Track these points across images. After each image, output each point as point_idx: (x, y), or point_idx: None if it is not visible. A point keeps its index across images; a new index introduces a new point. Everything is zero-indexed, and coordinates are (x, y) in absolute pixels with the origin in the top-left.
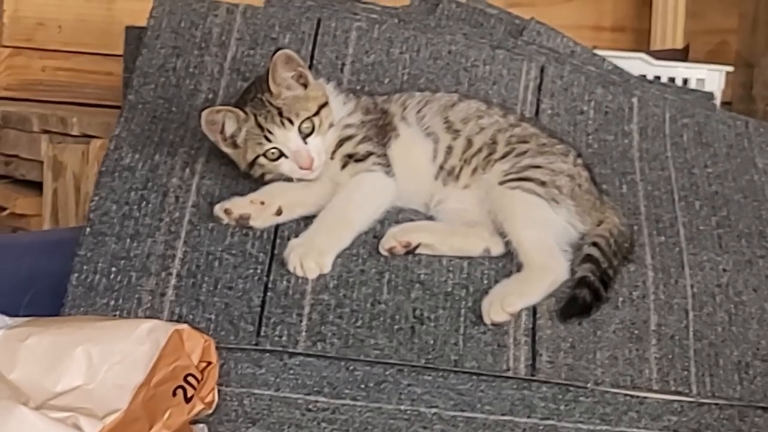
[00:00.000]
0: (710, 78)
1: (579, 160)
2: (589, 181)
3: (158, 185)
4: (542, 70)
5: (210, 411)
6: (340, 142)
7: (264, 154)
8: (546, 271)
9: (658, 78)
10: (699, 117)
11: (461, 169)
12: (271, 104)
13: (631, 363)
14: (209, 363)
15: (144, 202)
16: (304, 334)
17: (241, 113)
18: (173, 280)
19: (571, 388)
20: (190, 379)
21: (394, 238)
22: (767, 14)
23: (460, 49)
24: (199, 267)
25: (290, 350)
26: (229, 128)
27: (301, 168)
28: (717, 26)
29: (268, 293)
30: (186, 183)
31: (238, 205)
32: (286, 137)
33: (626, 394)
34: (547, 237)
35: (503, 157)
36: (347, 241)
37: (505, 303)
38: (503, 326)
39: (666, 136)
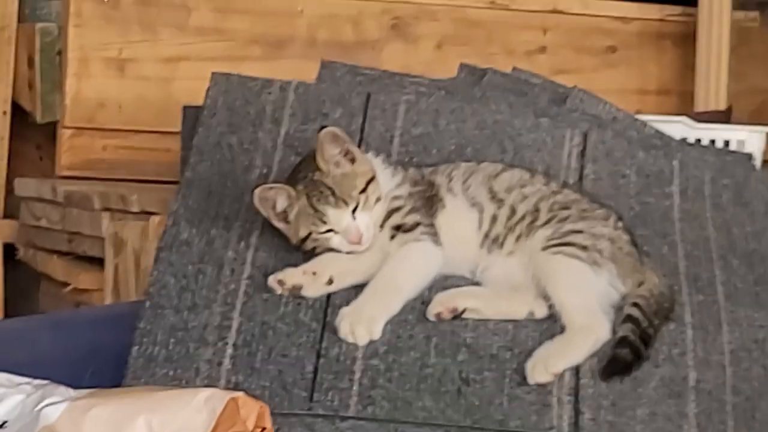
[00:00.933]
0: (750, 139)
1: (620, 224)
2: (630, 244)
3: (214, 258)
4: (585, 136)
5: None
6: (389, 213)
7: (315, 231)
8: (588, 333)
9: (699, 140)
10: (738, 177)
11: (505, 236)
12: (323, 184)
13: (671, 419)
14: (264, 429)
15: (201, 275)
16: (355, 398)
17: (292, 191)
18: (229, 350)
19: None
20: None
21: (441, 304)
22: None
23: (505, 118)
24: (254, 336)
25: (342, 414)
26: (281, 205)
27: (350, 243)
28: (760, 86)
29: (321, 360)
30: (241, 256)
31: (291, 276)
32: (339, 217)
33: None
34: (589, 299)
35: (546, 223)
36: (396, 308)
37: (548, 364)
38: (547, 386)
39: (706, 196)
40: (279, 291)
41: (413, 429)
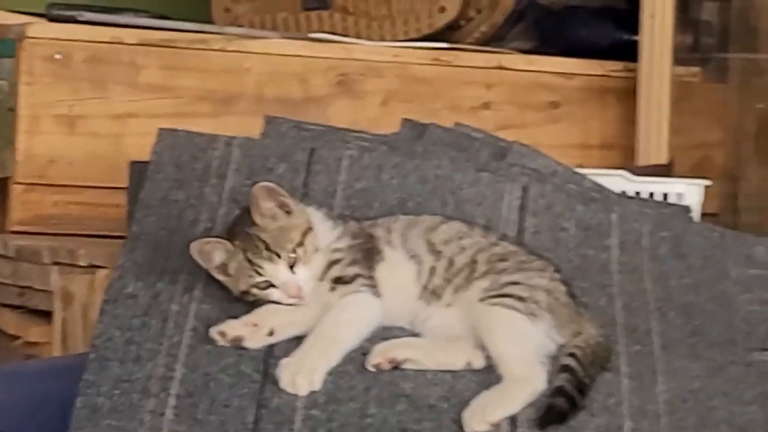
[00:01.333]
0: (688, 192)
1: (556, 275)
2: (567, 295)
3: (159, 311)
4: (525, 190)
5: None
6: (329, 265)
7: (254, 285)
8: (525, 383)
9: (638, 193)
10: (676, 230)
11: (444, 288)
12: (258, 238)
13: None
14: None
15: (146, 328)
16: None
17: (230, 245)
18: (172, 401)
19: None
20: None
21: (380, 355)
22: (750, 128)
23: (446, 173)
24: (197, 387)
25: None
26: (219, 258)
27: (290, 297)
28: (701, 141)
29: (262, 410)
30: (185, 308)
31: (232, 328)
32: (275, 270)
33: None
34: (526, 350)
35: (483, 275)
36: (336, 359)
37: (486, 413)
38: None
39: (644, 249)
40: (221, 342)
41: None
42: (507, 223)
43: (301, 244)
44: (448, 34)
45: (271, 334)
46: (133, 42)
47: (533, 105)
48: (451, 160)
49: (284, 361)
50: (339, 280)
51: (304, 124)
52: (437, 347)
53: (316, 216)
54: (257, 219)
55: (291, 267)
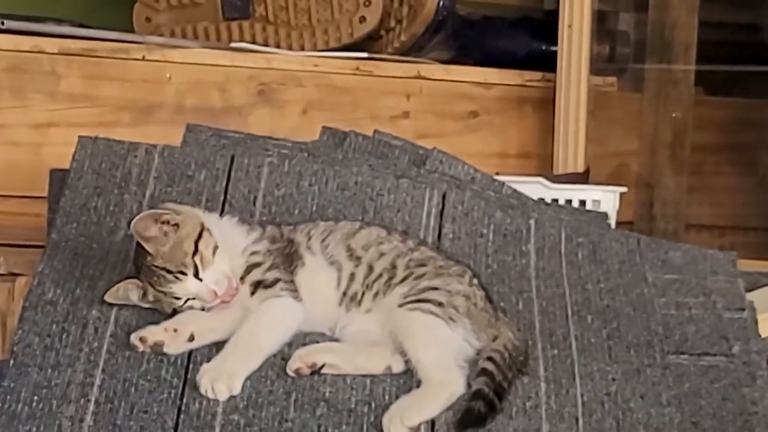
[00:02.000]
0: (605, 199)
1: (474, 280)
2: (484, 300)
3: (78, 318)
4: (444, 196)
5: None
6: (249, 269)
7: (176, 307)
8: (443, 387)
9: (555, 200)
10: (593, 236)
11: (363, 294)
12: (157, 267)
13: None
14: None
15: (65, 334)
16: None
17: (138, 282)
18: (92, 407)
19: None
20: None
21: (300, 359)
22: (665, 137)
23: (365, 180)
24: (116, 393)
25: None
26: (135, 296)
27: (210, 303)
28: (617, 150)
29: (182, 416)
30: (105, 315)
31: (153, 334)
32: (184, 288)
33: None
34: (444, 354)
35: (402, 280)
36: (256, 364)
37: (405, 417)
38: None
39: (561, 255)
40: (141, 348)
41: None
42: (426, 229)
43: (196, 251)
44: (368, 44)
45: (191, 339)
46: (54, 51)
47: (452, 114)
48: (371, 167)
49: (204, 367)
50: (259, 285)
51: (225, 131)
52: (357, 352)
53: (229, 222)
54: (149, 249)
55: (197, 277)
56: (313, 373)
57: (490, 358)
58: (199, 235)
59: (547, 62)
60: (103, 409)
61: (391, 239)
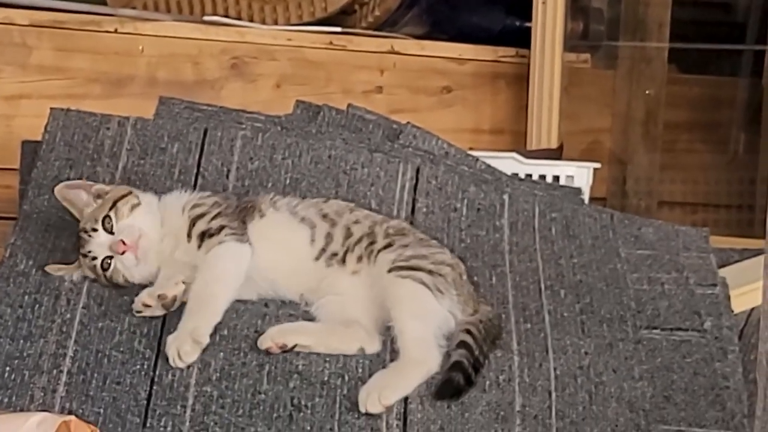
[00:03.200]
0: (579, 174)
1: (453, 254)
2: (465, 273)
3: (51, 289)
4: (418, 171)
5: None
6: (192, 222)
7: (102, 268)
8: (421, 365)
9: (529, 176)
10: (566, 211)
11: (345, 254)
12: (82, 230)
13: None
14: None
15: (37, 305)
16: (187, 424)
17: (77, 263)
18: (64, 377)
19: None
20: None
21: (270, 339)
22: (638, 114)
23: (339, 154)
24: (89, 364)
25: None
26: (78, 276)
27: (122, 254)
28: (591, 126)
29: (154, 387)
30: (77, 286)
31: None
32: (98, 242)
33: None
34: (428, 330)
35: (386, 247)
36: (218, 315)
37: (382, 396)
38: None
39: (535, 229)
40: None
41: None
42: (400, 203)
43: (113, 207)
44: (341, 18)
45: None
46: (25, 23)
47: (426, 89)
48: (345, 141)
49: (168, 339)
50: (204, 235)
51: (198, 104)
52: (330, 333)
53: (178, 194)
54: (75, 213)
55: (111, 230)
56: (284, 352)
57: (468, 331)
58: (121, 197)
59: (521, 38)
60: (75, 380)
61: (362, 210)
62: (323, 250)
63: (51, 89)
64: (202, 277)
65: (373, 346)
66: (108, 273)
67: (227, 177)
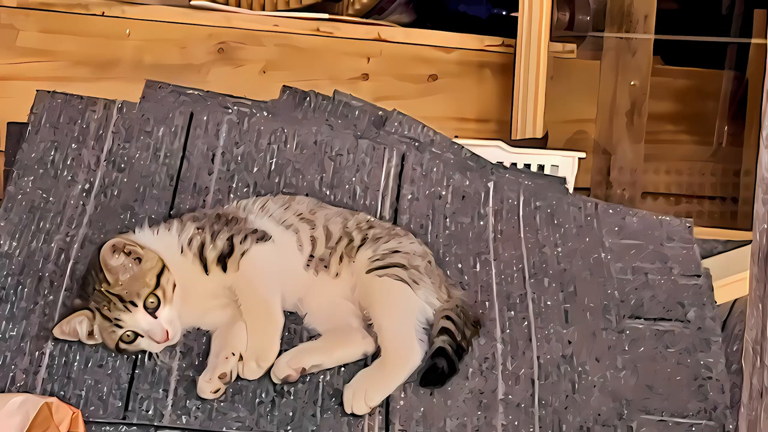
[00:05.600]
0: (564, 163)
1: (417, 239)
2: (432, 257)
3: (34, 271)
4: (403, 157)
5: None
6: (201, 251)
7: (121, 339)
8: (404, 363)
9: (514, 164)
10: (551, 200)
11: (330, 256)
12: (110, 293)
13: (479, 430)
14: None
15: (20, 287)
16: (169, 408)
17: (89, 313)
18: (46, 360)
19: None
20: None
21: (288, 366)
22: (622, 105)
23: (325, 139)
24: (71, 347)
25: (156, 424)
26: (84, 329)
27: (159, 342)
28: (575, 116)
29: (136, 371)
30: (61, 268)
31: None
32: (135, 320)
33: None
34: (408, 324)
35: (362, 243)
36: (279, 322)
37: (368, 398)
38: None
39: (520, 218)
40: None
41: None
42: (385, 189)
43: (158, 285)
44: (329, 5)
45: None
46: (13, 5)
47: (411, 77)
48: (331, 127)
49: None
50: (222, 258)
51: (184, 88)
52: (334, 345)
53: (148, 234)
54: (108, 277)
55: (153, 312)
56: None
57: (448, 317)
58: (162, 271)
59: (507, 27)
60: (57, 363)
61: (324, 205)
62: (311, 256)
63: (37, 71)
64: (245, 295)
65: (371, 348)
66: (126, 346)
67: (212, 161)
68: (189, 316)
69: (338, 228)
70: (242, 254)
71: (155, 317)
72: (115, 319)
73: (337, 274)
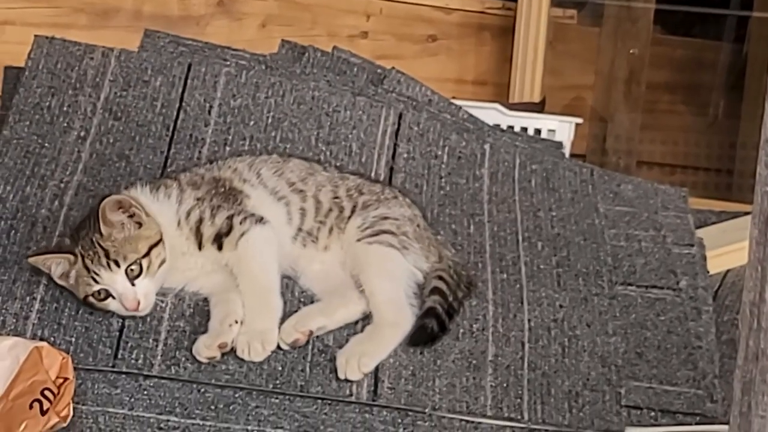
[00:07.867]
0: (561, 128)
1: (406, 199)
2: (422, 218)
3: (27, 216)
4: (400, 116)
5: (65, 425)
6: (197, 231)
7: (92, 294)
8: (396, 329)
9: (511, 127)
10: (547, 164)
11: (318, 230)
12: (99, 245)
13: (468, 390)
14: (66, 379)
15: (13, 231)
16: (159, 358)
17: (71, 257)
18: (37, 305)
19: (410, 413)
20: (46, 393)
21: (295, 330)
22: (621, 73)
23: (322, 95)
24: (62, 293)
25: (145, 373)
26: (59, 270)
27: (127, 309)
28: (573, 83)
29: (127, 319)
30: (54, 214)
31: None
32: (113, 279)
33: (462, 420)
34: (399, 291)
35: (352, 213)
36: (279, 307)
37: (361, 364)
38: None
39: (515, 180)
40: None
41: (215, 390)
42: (381, 147)
43: (146, 255)
44: None
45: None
46: None
47: (411, 37)
48: (329, 83)
49: (240, 335)
50: (219, 237)
51: (183, 39)
52: (336, 306)
53: (149, 198)
54: (103, 229)
55: (132, 281)
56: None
57: (440, 277)
58: (156, 244)
59: None
60: (48, 308)
61: (316, 168)
62: (299, 229)
63: (36, 17)
64: (246, 275)
65: (366, 306)
66: (95, 301)
67: (209, 113)
68: (174, 281)
69: (328, 198)
70: (241, 235)
71: (133, 284)
72: (94, 272)
73: (326, 248)
